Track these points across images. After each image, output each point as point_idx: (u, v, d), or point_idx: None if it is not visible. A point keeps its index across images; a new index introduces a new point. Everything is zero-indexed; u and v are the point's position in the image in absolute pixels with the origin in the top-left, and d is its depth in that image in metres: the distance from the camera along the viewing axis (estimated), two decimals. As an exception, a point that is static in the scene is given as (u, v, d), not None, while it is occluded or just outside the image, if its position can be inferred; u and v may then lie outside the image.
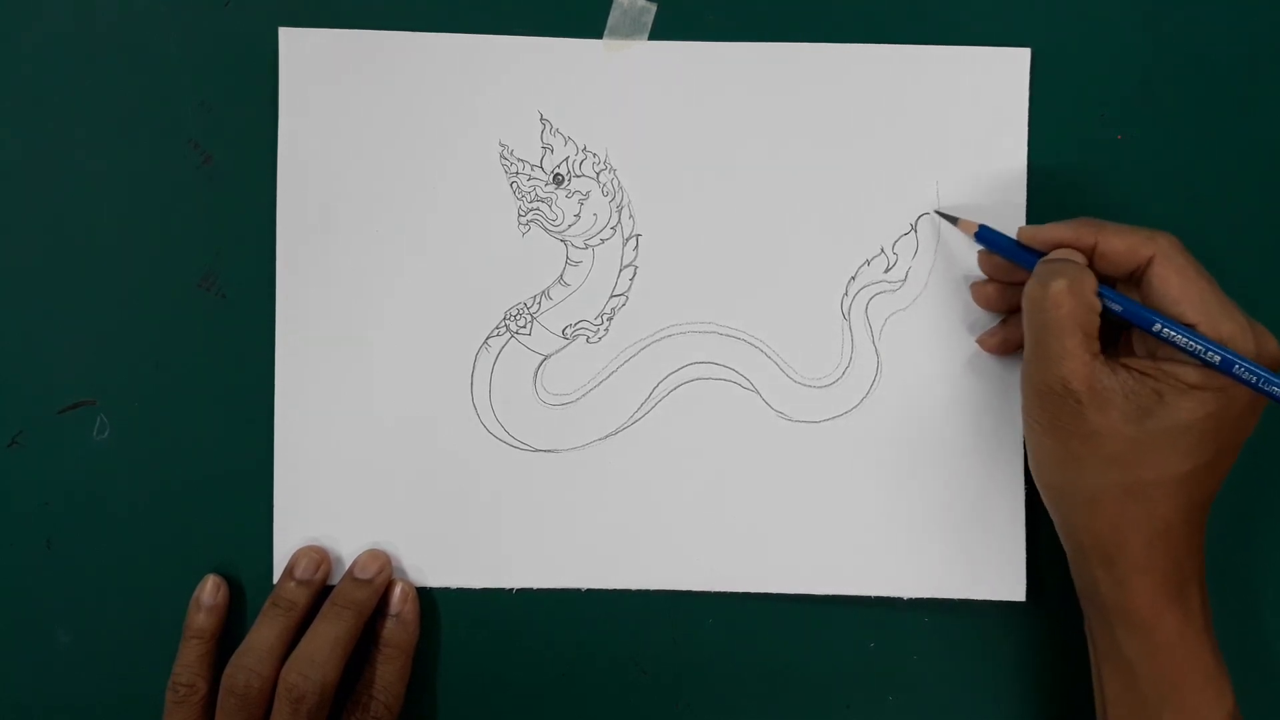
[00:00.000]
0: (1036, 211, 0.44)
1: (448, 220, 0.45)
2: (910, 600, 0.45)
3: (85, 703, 0.45)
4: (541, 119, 0.45)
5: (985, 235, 0.42)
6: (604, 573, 0.45)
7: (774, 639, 0.45)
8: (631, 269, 0.45)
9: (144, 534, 0.45)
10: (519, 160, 0.45)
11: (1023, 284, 0.40)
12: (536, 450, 0.45)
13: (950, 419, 0.45)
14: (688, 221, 0.45)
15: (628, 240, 0.45)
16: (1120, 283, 0.40)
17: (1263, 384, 0.37)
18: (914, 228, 0.45)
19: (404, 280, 0.45)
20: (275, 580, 0.44)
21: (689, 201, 0.45)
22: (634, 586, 0.45)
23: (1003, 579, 0.44)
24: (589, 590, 0.45)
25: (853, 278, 0.45)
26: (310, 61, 0.44)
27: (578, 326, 0.45)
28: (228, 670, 0.41)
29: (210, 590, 0.44)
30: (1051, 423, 0.38)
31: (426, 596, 0.45)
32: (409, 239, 0.45)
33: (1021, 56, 0.45)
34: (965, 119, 0.45)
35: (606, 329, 0.45)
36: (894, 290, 0.45)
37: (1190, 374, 0.37)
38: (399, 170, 0.44)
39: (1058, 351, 0.38)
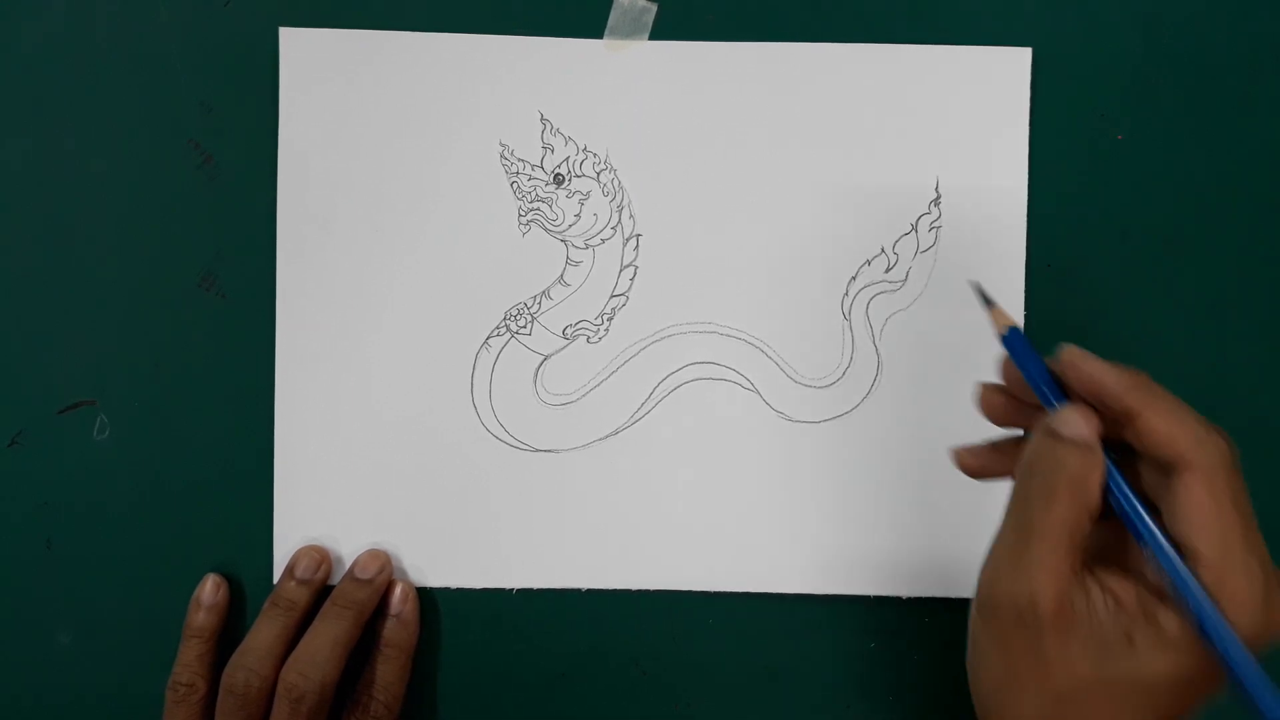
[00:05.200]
0: (1036, 212, 0.44)
1: (448, 220, 0.45)
2: (910, 600, 0.45)
3: (85, 703, 0.45)
4: (542, 119, 0.45)
5: (1012, 342, 0.35)
6: (604, 573, 0.45)
7: (774, 639, 0.45)
8: (632, 269, 0.45)
9: (144, 534, 0.45)
10: (519, 160, 0.45)
11: (1037, 407, 0.34)
12: (536, 450, 0.45)
13: (950, 419, 0.45)
14: (688, 221, 0.45)
15: (628, 240, 0.45)
16: (1144, 462, 0.33)
17: (1233, 664, 0.30)
18: (914, 228, 0.45)
19: (404, 280, 0.45)
20: (275, 580, 0.44)
21: (689, 201, 0.45)
22: (634, 586, 0.45)
23: (1003, 579, 0.44)
24: (589, 590, 0.45)
25: (853, 278, 0.45)
26: (310, 61, 0.44)
27: (578, 326, 0.45)
28: (227, 670, 0.41)
29: (210, 590, 0.44)
30: (1002, 634, 0.32)
31: (426, 596, 0.45)
32: (409, 239, 0.45)
33: (1022, 56, 0.44)
34: (966, 118, 0.44)
35: (607, 329, 0.45)
36: (894, 290, 0.45)
37: (1172, 623, 0.31)
38: (399, 170, 0.44)
39: (1034, 557, 0.32)
